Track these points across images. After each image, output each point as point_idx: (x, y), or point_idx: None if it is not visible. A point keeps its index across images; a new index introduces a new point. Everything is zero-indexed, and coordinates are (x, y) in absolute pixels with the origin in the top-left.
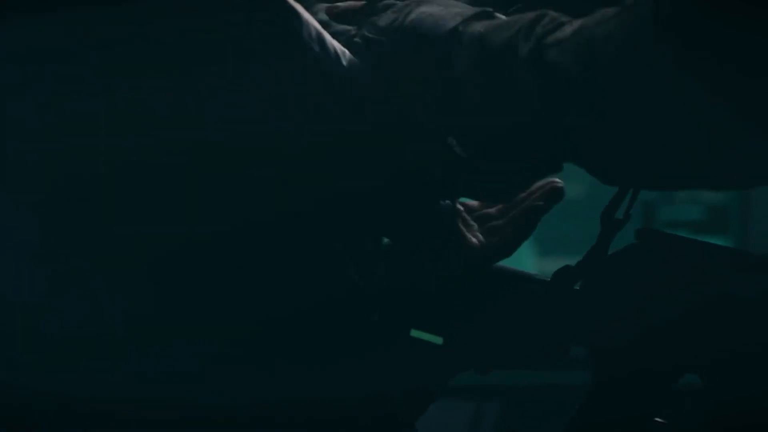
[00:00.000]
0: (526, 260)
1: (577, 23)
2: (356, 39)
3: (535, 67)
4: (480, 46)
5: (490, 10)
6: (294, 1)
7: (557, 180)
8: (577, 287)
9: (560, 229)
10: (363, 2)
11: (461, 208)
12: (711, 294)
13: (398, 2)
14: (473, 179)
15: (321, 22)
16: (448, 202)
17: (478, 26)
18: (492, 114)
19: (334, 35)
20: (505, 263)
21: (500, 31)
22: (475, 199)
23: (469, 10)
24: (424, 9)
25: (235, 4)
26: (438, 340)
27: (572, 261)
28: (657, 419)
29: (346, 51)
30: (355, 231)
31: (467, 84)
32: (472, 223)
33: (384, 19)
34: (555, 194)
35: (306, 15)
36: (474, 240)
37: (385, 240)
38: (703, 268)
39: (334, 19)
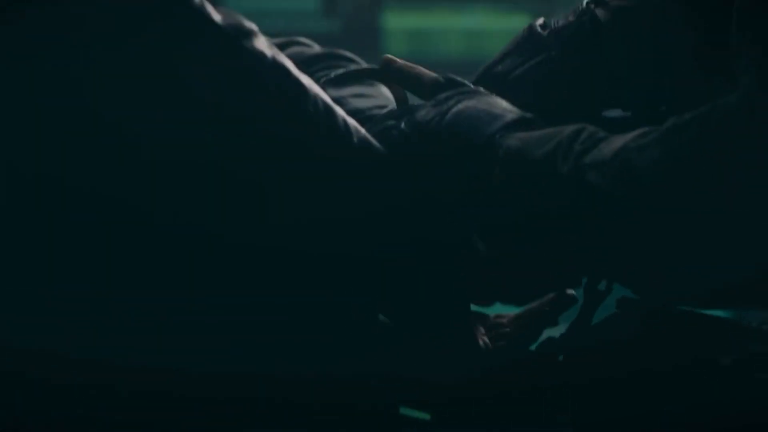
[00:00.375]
0: None
1: (615, 143)
2: (393, 131)
3: (574, 187)
4: (517, 160)
5: (531, 116)
6: (301, 72)
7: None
8: (560, 358)
9: None
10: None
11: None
12: (692, 362)
13: (449, 91)
14: (492, 279)
15: (334, 99)
16: (462, 299)
17: (516, 139)
18: (525, 227)
19: (362, 117)
20: None
21: (538, 147)
22: (492, 300)
23: (509, 114)
24: (464, 107)
25: (241, 75)
26: (425, 416)
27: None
28: None
29: (360, 129)
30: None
31: (502, 196)
32: (480, 327)
33: (423, 114)
34: (564, 301)
35: (314, 88)
36: (480, 342)
37: None
38: (684, 338)
39: (387, 69)
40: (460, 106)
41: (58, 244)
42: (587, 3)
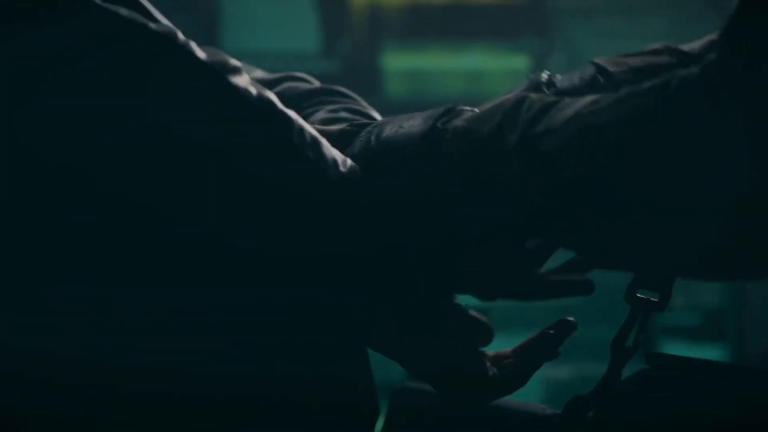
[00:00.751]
0: None
1: (567, 110)
2: None
3: (525, 156)
4: (465, 140)
5: (452, 105)
6: (286, 107)
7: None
8: (590, 415)
9: None
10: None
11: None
12: (725, 416)
13: (363, 130)
14: (480, 274)
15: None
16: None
17: (461, 120)
18: (484, 204)
19: None
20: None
21: (484, 122)
22: (493, 295)
23: (434, 111)
24: (389, 127)
25: (226, 110)
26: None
27: (579, 366)
28: None
29: (348, 160)
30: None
31: (456, 179)
32: (486, 361)
33: (357, 146)
34: (566, 325)
35: (300, 121)
36: (489, 373)
37: None
38: (716, 390)
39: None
40: (387, 127)
41: (58, 244)
42: (596, 71)
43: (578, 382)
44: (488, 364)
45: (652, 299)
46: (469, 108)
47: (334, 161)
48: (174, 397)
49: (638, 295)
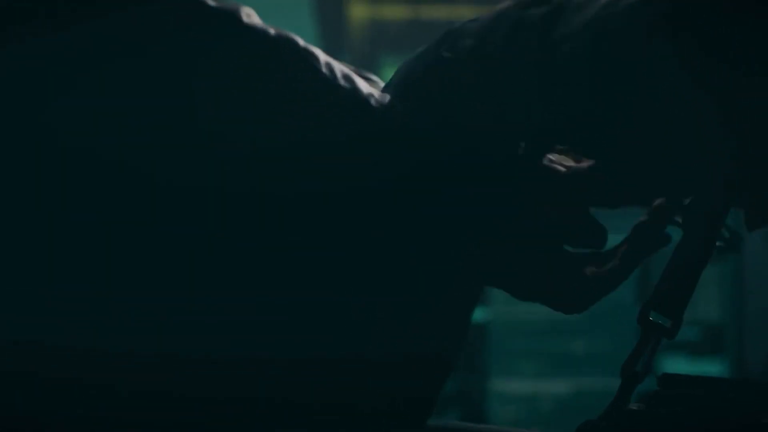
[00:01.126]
0: (525, 380)
1: (583, 13)
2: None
3: (544, 63)
4: (477, 55)
5: (449, 29)
6: (312, 47)
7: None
8: None
9: (559, 347)
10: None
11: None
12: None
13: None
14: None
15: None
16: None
17: (467, 40)
18: (498, 110)
19: None
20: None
21: (494, 30)
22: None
23: (434, 43)
24: (411, 63)
25: (246, 50)
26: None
27: (577, 381)
28: None
29: (383, 93)
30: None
31: (474, 103)
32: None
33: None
34: (660, 240)
35: (326, 57)
36: (588, 275)
37: None
38: (730, 410)
39: None
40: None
41: (58, 244)
42: None
43: (576, 396)
44: (590, 267)
45: (664, 324)
46: (465, 21)
47: (370, 92)
48: (174, 397)
49: (650, 318)
